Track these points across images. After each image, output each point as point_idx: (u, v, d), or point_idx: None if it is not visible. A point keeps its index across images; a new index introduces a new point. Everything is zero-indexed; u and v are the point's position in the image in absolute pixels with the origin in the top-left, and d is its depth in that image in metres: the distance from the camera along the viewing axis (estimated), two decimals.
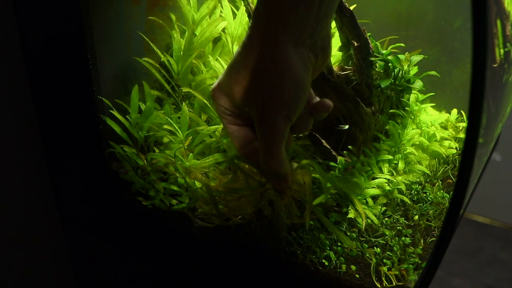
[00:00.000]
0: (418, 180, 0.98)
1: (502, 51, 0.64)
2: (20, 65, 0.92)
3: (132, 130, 0.94)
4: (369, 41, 0.98)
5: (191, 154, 0.93)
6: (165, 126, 0.95)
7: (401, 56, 1.02)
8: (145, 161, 0.94)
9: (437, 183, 0.99)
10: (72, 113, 0.94)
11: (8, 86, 0.91)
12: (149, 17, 1.00)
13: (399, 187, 0.93)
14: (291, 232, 0.84)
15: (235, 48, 1.06)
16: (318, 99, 0.75)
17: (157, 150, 0.96)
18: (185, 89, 0.99)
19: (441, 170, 1.02)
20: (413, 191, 0.95)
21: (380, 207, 0.90)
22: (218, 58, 1.05)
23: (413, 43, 1.15)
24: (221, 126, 0.96)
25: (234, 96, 0.70)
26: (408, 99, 1.07)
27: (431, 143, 1.06)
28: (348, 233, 0.84)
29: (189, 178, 0.91)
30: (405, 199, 0.92)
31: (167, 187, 0.92)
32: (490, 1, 0.50)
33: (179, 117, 0.96)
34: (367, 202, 0.90)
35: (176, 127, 0.93)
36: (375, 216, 0.87)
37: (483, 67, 0.50)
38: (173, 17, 1.03)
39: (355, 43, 0.96)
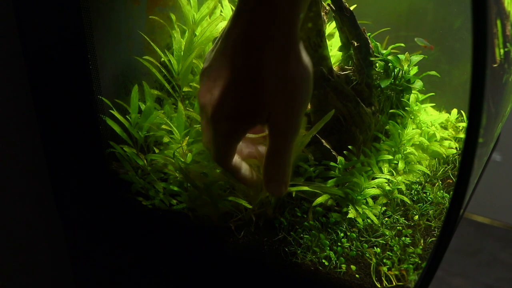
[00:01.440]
0: (418, 180, 0.98)
1: (502, 51, 0.64)
2: (20, 65, 0.92)
3: (132, 130, 0.94)
4: (369, 41, 0.98)
5: (189, 154, 0.93)
6: (163, 126, 0.94)
7: (401, 56, 1.02)
8: (145, 161, 0.94)
9: (437, 183, 0.99)
10: (72, 113, 0.94)
11: (8, 86, 0.91)
12: (150, 17, 1.00)
13: (399, 187, 0.93)
14: (291, 232, 0.84)
15: None
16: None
17: (157, 150, 0.96)
18: (185, 89, 0.99)
19: (441, 170, 1.02)
20: (413, 191, 0.95)
21: (380, 207, 0.90)
22: None
23: (413, 43, 1.15)
24: None
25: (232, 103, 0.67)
26: (408, 99, 1.07)
27: (431, 143, 1.06)
28: (348, 233, 0.84)
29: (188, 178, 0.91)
30: (405, 199, 0.91)
31: (167, 187, 0.92)
32: (490, 1, 0.50)
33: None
34: (367, 202, 0.90)
35: (173, 127, 0.93)
36: (375, 216, 0.87)
37: (483, 67, 0.50)
38: (173, 17, 1.03)
39: (355, 43, 0.96)
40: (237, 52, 0.65)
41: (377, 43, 1.03)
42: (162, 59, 1.00)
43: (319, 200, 0.87)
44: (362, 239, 0.84)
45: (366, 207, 0.88)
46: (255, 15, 0.62)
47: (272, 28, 0.61)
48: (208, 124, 0.71)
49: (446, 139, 1.10)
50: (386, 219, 0.88)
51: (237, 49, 0.65)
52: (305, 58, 0.65)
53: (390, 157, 0.98)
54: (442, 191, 0.95)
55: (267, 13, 0.61)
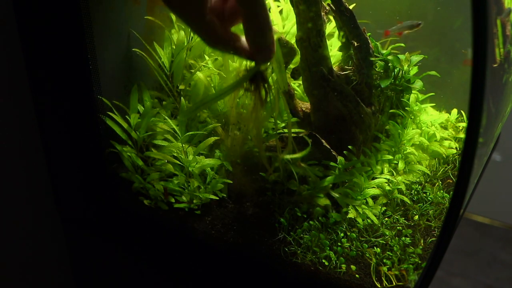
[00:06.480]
0: (418, 180, 0.98)
1: (502, 51, 0.64)
2: (20, 65, 0.92)
3: (130, 131, 0.94)
4: (369, 41, 0.98)
5: (193, 149, 0.93)
6: (161, 126, 0.94)
7: (401, 56, 1.02)
8: (145, 161, 0.94)
9: (437, 183, 0.99)
10: (72, 113, 0.94)
11: (8, 86, 0.91)
12: (149, 17, 1.00)
13: (399, 187, 0.93)
14: (291, 232, 0.84)
15: None
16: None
17: (155, 151, 0.96)
18: (181, 87, 0.99)
19: (441, 170, 1.02)
20: (413, 191, 0.95)
21: (380, 207, 0.90)
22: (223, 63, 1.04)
23: (413, 43, 1.15)
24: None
25: None
26: (408, 99, 1.07)
27: (431, 143, 1.06)
28: (348, 233, 0.84)
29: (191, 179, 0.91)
30: (405, 199, 0.91)
31: (167, 187, 0.92)
32: (490, 1, 0.50)
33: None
34: (367, 202, 0.90)
35: (175, 127, 0.92)
36: (375, 216, 0.87)
37: (483, 67, 0.50)
38: (173, 17, 1.03)
39: (355, 43, 0.96)
40: None
41: (377, 43, 1.03)
42: (162, 59, 1.00)
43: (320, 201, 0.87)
44: (362, 239, 0.84)
45: (366, 207, 0.88)
46: None
47: None
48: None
49: (446, 139, 1.10)
50: (386, 219, 0.88)
51: None
52: None
53: (390, 157, 0.98)
54: (442, 191, 0.95)
55: None
